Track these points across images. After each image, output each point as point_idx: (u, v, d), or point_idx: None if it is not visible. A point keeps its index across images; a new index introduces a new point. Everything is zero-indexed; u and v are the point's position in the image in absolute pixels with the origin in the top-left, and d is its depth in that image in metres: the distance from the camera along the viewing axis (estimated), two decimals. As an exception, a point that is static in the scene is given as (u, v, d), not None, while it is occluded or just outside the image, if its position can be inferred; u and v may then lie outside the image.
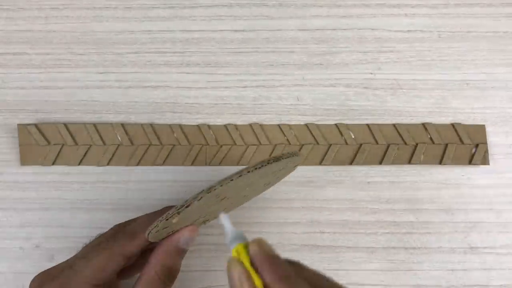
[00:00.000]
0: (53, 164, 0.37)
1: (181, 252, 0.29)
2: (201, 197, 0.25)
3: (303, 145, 0.38)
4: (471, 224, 0.37)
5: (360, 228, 0.37)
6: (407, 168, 0.38)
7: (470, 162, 0.38)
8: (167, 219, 0.26)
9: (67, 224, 0.37)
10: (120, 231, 0.30)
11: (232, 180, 0.25)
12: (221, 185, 0.25)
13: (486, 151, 0.38)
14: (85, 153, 0.38)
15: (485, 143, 0.38)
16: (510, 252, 0.37)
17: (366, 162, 0.38)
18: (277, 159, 0.27)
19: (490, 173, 0.38)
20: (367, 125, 0.38)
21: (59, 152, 0.37)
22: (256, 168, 0.26)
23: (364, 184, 0.38)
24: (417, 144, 0.38)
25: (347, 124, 0.38)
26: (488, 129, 0.39)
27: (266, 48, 0.40)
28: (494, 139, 0.38)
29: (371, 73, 0.40)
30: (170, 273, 0.29)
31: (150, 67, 0.40)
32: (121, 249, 0.28)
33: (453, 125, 0.38)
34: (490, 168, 0.38)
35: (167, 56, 0.40)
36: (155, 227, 0.26)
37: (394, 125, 0.38)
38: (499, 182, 0.38)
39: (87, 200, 0.37)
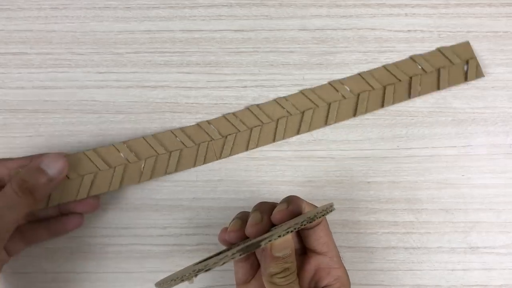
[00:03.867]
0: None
1: (42, 172, 0.31)
2: (224, 262, 0.25)
3: (304, 111, 0.38)
4: (471, 224, 0.37)
5: (360, 228, 0.37)
6: (407, 168, 0.38)
7: (466, 79, 0.39)
8: (182, 280, 0.25)
9: (67, 224, 0.37)
10: None
11: (260, 245, 0.25)
12: (250, 251, 0.25)
13: (478, 65, 0.39)
14: (92, 182, 0.35)
15: (474, 57, 0.39)
16: (510, 252, 0.37)
17: (369, 109, 0.38)
18: (310, 219, 0.26)
19: (490, 173, 0.38)
20: (359, 74, 0.39)
21: (63, 189, 0.35)
22: (291, 231, 0.25)
23: (364, 184, 0.38)
24: (411, 77, 0.39)
25: (340, 80, 0.39)
26: (488, 129, 0.39)
27: (266, 48, 0.40)
28: (494, 139, 0.38)
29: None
30: (26, 188, 0.31)
31: (150, 67, 0.40)
32: None
33: (439, 49, 0.39)
34: (490, 168, 0.38)
35: (167, 56, 0.40)
36: (167, 283, 0.25)
37: (384, 66, 0.39)
38: (499, 182, 0.38)
39: (87, 200, 0.37)
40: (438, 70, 0.39)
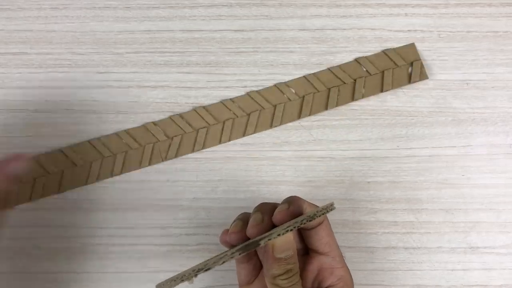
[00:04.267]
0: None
1: (10, 177, 0.30)
2: (224, 261, 0.25)
3: (250, 113, 0.38)
4: (471, 224, 0.37)
5: (360, 228, 0.37)
6: (407, 168, 0.38)
7: (410, 81, 0.39)
8: (182, 280, 0.25)
9: (67, 224, 0.37)
10: None
11: (259, 244, 0.25)
12: (250, 250, 0.25)
13: (422, 66, 0.39)
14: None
15: (419, 59, 0.39)
16: (510, 252, 0.37)
17: (313, 111, 0.39)
18: (310, 218, 0.26)
19: (490, 173, 0.38)
20: (304, 77, 0.39)
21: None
22: (291, 230, 0.25)
23: (364, 184, 0.38)
24: (355, 80, 0.39)
25: (285, 82, 0.39)
26: (488, 129, 0.39)
27: (266, 48, 0.40)
28: (494, 139, 0.38)
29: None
30: None
31: (150, 67, 0.40)
32: None
33: (384, 52, 0.39)
34: (490, 168, 0.38)
35: (167, 56, 0.40)
36: (167, 285, 0.25)
37: (329, 69, 0.39)
38: (499, 182, 0.38)
39: (88, 200, 0.37)
40: (382, 72, 0.39)
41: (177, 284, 0.25)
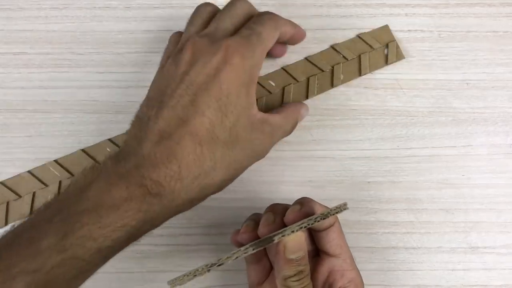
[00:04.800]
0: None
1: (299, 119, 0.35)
2: (237, 257, 0.24)
3: None
4: (471, 224, 0.37)
5: (360, 228, 0.37)
6: (407, 168, 0.38)
7: (387, 62, 0.39)
8: (195, 276, 0.25)
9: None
10: None
11: (273, 240, 0.25)
12: (263, 246, 0.25)
13: (397, 47, 0.39)
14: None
15: (394, 40, 0.39)
16: (510, 252, 0.37)
17: (294, 100, 0.39)
18: (324, 216, 0.26)
19: (490, 173, 0.38)
20: (282, 68, 0.39)
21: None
22: (304, 227, 0.25)
23: (364, 184, 0.38)
24: (333, 67, 0.39)
25: (265, 75, 0.39)
26: (489, 129, 0.39)
27: (266, 48, 0.40)
28: (494, 139, 0.38)
29: (372, 73, 0.39)
30: None
31: (150, 67, 0.40)
32: None
33: (358, 36, 0.40)
34: (490, 168, 0.38)
35: (167, 56, 0.40)
36: (179, 280, 0.25)
37: (306, 58, 0.39)
38: (499, 182, 0.38)
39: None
40: (359, 57, 0.39)
41: (190, 279, 0.25)
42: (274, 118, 0.33)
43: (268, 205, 0.32)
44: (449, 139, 0.38)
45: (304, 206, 0.28)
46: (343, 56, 0.39)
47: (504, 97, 0.39)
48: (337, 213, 0.27)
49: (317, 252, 0.31)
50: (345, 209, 0.27)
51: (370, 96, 0.39)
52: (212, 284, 0.36)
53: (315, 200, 0.30)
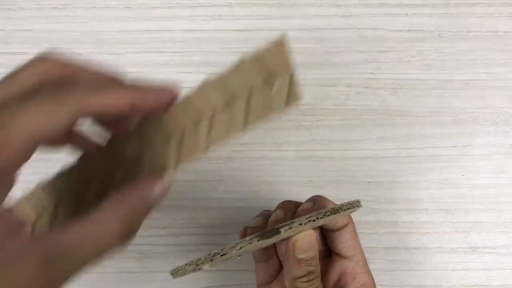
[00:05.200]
0: None
1: (148, 207, 0.23)
2: (241, 247, 0.23)
3: None
4: (471, 224, 0.37)
5: (360, 228, 0.37)
6: (407, 168, 0.38)
7: (270, 107, 0.26)
8: (197, 265, 0.24)
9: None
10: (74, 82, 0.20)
11: (279, 232, 0.24)
12: (269, 237, 0.24)
13: (292, 80, 0.22)
14: None
15: (288, 66, 0.23)
16: (510, 252, 0.37)
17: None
18: (335, 211, 0.24)
19: (490, 173, 0.38)
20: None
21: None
22: (313, 220, 0.24)
23: (364, 184, 0.38)
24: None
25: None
26: (489, 129, 0.38)
27: (266, 48, 0.40)
28: (494, 139, 0.38)
29: (372, 73, 0.39)
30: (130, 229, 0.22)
31: (150, 67, 0.40)
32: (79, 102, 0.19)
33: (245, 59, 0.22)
34: (490, 168, 0.38)
35: (167, 56, 0.40)
36: (181, 269, 0.24)
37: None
38: (499, 182, 0.38)
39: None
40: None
41: (193, 269, 0.24)
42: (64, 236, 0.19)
43: (268, 205, 0.32)
44: (449, 139, 0.38)
45: (317, 204, 0.27)
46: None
47: (504, 97, 0.39)
48: (348, 209, 0.25)
49: (328, 253, 0.29)
50: (358, 206, 0.26)
51: (370, 96, 0.39)
52: (212, 284, 0.36)
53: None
